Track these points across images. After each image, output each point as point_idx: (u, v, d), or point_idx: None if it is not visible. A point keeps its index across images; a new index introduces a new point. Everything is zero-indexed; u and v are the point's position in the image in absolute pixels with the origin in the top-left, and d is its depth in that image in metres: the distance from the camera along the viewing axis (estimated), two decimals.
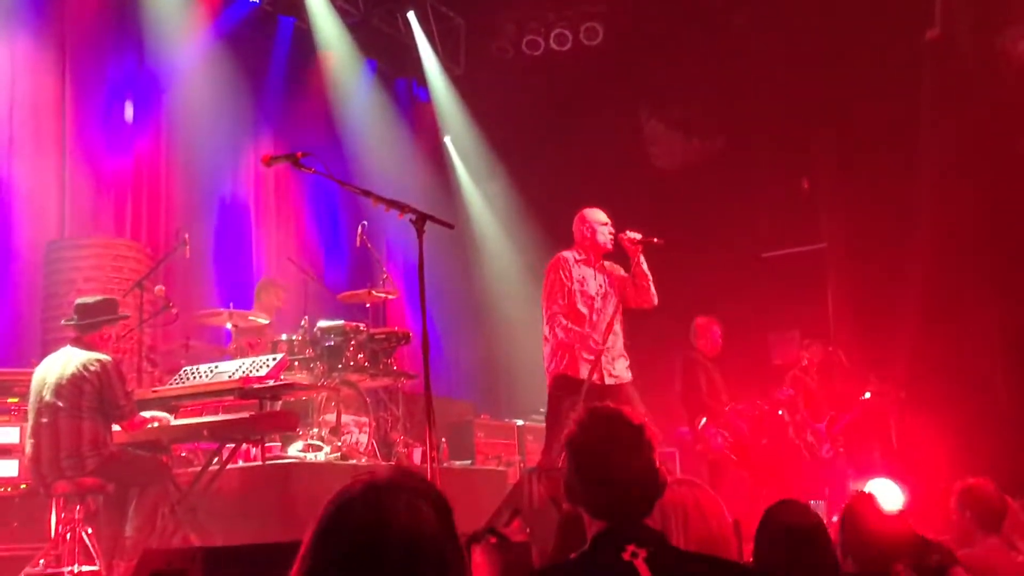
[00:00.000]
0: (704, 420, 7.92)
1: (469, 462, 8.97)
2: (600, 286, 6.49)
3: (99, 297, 6.30)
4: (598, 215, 6.53)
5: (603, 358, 6.22)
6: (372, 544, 1.66)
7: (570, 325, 6.30)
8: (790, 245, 11.08)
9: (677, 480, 2.93)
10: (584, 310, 6.41)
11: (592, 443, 2.40)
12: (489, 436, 9.30)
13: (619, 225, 6.47)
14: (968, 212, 9.53)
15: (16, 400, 6.59)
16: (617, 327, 6.36)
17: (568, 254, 6.53)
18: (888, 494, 6.51)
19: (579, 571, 2.33)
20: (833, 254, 10.86)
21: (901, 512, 3.46)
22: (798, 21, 10.58)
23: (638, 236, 6.23)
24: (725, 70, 11.27)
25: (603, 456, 2.37)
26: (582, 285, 6.45)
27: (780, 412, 8.09)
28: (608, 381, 6.27)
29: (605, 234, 6.44)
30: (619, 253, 6.45)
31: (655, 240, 6.24)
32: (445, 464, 8.28)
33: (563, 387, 6.32)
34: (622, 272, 6.56)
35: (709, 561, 2.52)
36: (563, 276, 6.42)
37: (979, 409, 8.94)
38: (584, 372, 6.18)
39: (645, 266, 6.33)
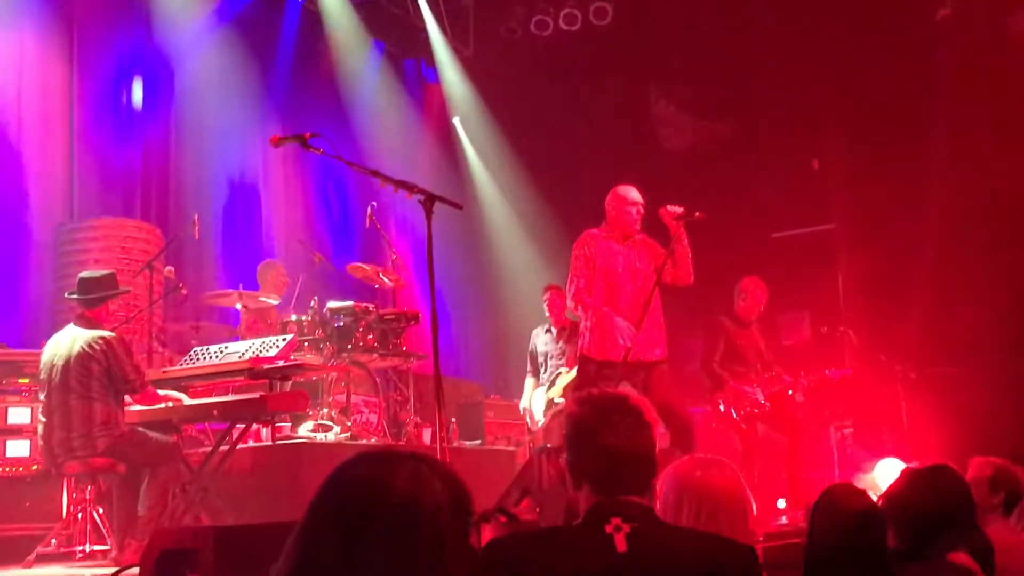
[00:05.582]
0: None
1: (479, 442, 8.99)
2: (626, 264, 6.36)
3: (102, 271, 6.29)
4: (628, 193, 6.39)
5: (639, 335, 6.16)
6: (370, 502, 1.64)
7: (597, 307, 6.23)
8: (800, 225, 11.04)
9: (705, 461, 2.92)
10: (608, 287, 6.31)
11: (591, 419, 2.44)
12: (499, 416, 9.31)
13: (649, 203, 6.40)
14: (979, 192, 9.48)
15: (27, 381, 6.62)
16: (654, 303, 6.29)
17: (595, 231, 6.46)
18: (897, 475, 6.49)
19: (557, 538, 2.39)
20: (843, 234, 10.82)
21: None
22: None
23: (679, 210, 6.16)
24: (735, 50, 11.22)
25: (601, 431, 2.41)
26: (606, 261, 6.33)
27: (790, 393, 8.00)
28: (643, 358, 6.21)
29: (632, 214, 6.33)
30: (659, 228, 6.37)
31: (697, 214, 6.17)
32: (455, 444, 8.29)
33: (585, 368, 6.30)
34: (660, 248, 6.43)
35: (695, 536, 2.53)
36: (587, 252, 6.33)
37: (990, 389, 8.92)
38: (609, 352, 6.14)
39: (686, 242, 6.27)
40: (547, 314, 8.60)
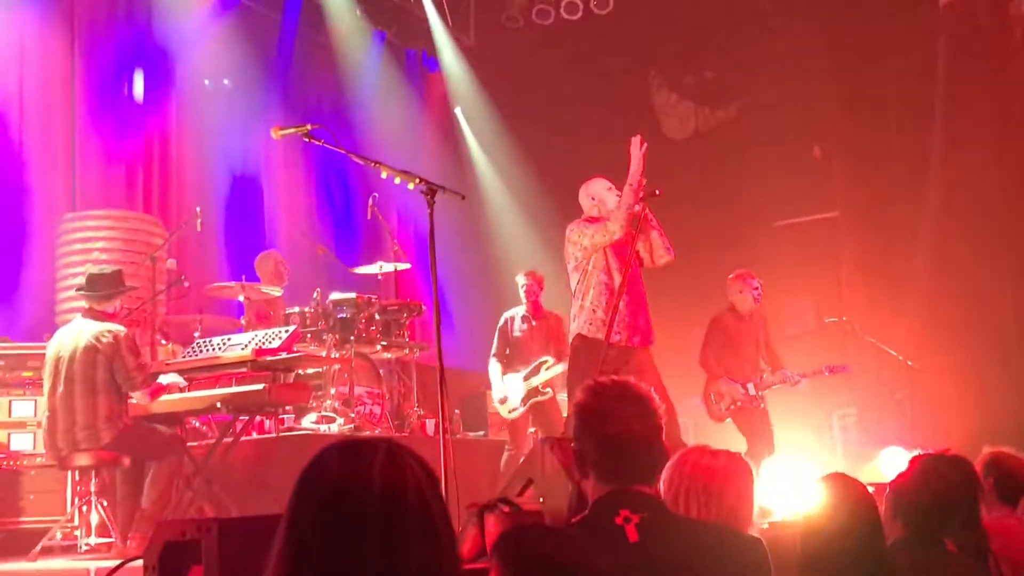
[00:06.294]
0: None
1: (482, 433, 8.99)
2: (616, 251, 6.30)
3: (111, 268, 6.30)
4: (601, 182, 6.49)
5: (622, 318, 6.15)
6: (353, 497, 1.63)
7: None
8: (803, 213, 11.03)
9: (699, 449, 2.91)
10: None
11: (596, 407, 2.42)
12: None
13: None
14: (982, 179, 9.47)
15: (30, 374, 6.62)
16: (638, 289, 6.30)
17: (584, 219, 6.47)
18: (901, 463, 6.48)
19: (571, 534, 2.36)
20: (846, 222, 10.81)
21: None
22: None
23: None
24: (736, 38, 11.19)
25: (606, 420, 2.39)
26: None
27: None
28: (630, 344, 6.21)
29: (612, 198, 6.40)
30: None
31: (656, 192, 6.22)
32: (458, 435, 8.29)
33: (578, 348, 6.26)
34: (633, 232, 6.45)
35: (705, 526, 2.53)
36: (584, 232, 6.31)
37: (991, 377, 8.91)
38: (599, 333, 6.14)
39: (654, 221, 6.30)
40: (524, 301, 8.25)
